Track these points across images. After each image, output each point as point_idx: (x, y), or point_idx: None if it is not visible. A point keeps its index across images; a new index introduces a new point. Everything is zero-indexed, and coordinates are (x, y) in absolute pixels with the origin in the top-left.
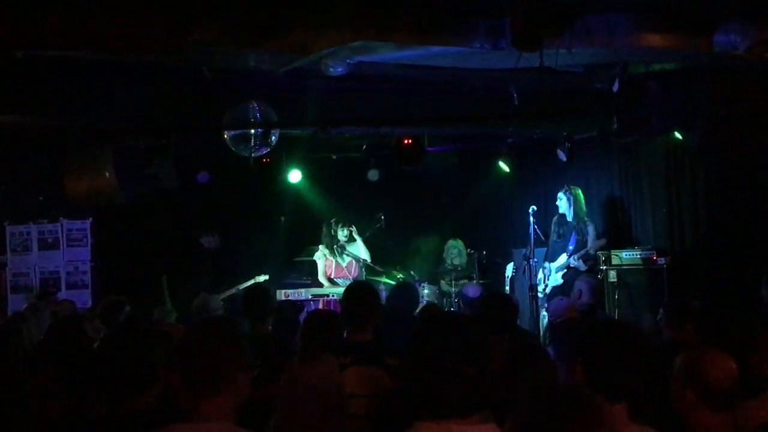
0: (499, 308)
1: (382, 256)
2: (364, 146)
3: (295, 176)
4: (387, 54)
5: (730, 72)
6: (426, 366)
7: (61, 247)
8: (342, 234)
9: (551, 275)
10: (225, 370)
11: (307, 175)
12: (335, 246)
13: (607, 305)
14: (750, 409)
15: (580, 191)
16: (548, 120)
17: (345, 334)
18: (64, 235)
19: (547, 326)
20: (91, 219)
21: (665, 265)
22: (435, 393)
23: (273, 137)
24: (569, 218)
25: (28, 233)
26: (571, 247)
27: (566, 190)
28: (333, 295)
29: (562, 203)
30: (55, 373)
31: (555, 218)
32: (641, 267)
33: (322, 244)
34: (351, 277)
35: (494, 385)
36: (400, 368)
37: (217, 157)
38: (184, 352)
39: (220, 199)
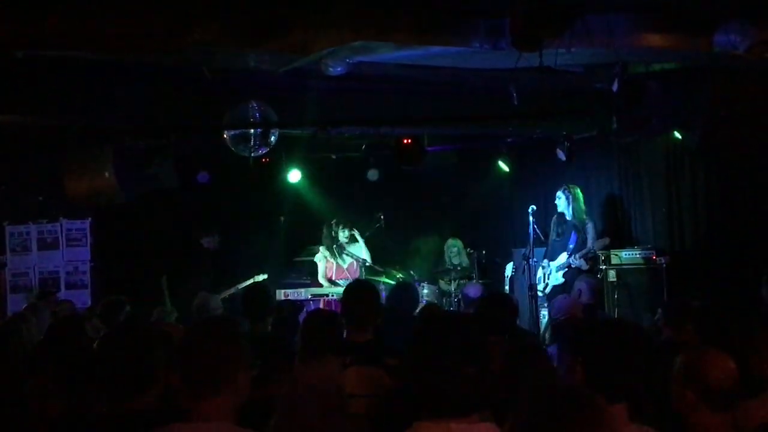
0: (498, 308)
1: (381, 255)
2: (364, 146)
3: (294, 176)
4: (387, 54)
5: (730, 72)
6: (426, 366)
7: (61, 247)
8: (343, 235)
9: (552, 274)
10: (225, 370)
11: (307, 174)
12: (334, 246)
13: (606, 305)
14: (750, 409)
15: (578, 190)
16: (548, 120)
17: (345, 334)
18: (64, 235)
19: (546, 325)
20: (90, 219)
21: (665, 265)
22: (434, 393)
23: (273, 137)
24: (568, 217)
25: (28, 233)
26: (571, 246)
27: (565, 189)
28: (333, 295)
29: (561, 202)
30: (55, 373)
31: (554, 217)
32: (641, 267)
33: (322, 245)
34: (352, 279)
35: (494, 385)
36: (400, 368)
37: (216, 157)
38: (184, 352)
39: (219, 199)
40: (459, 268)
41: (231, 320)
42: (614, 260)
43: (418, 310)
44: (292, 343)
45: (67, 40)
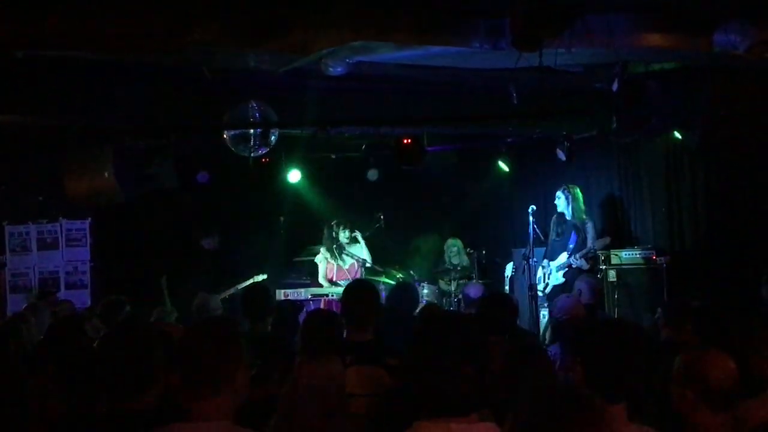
0: (498, 308)
1: (381, 255)
2: (364, 146)
3: (294, 176)
4: (387, 54)
5: (730, 72)
6: (426, 365)
7: (61, 247)
8: (343, 236)
9: (552, 274)
10: (224, 370)
11: (307, 174)
12: (334, 247)
13: (606, 305)
14: (750, 408)
15: (578, 190)
16: (548, 119)
17: (345, 334)
18: (64, 235)
19: (546, 325)
20: (90, 219)
21: (665, 265)
22: (434, 392)
23: (272, 137)
24: (568, 217)
25: (27, 233)
26: (571, 246)
27: (564, 189)
28: (333, 295)
29: (560, 202)
30: (55, 373)
31: (554, 217)
32: (641, 266)
33: (323, 246)
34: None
35: (494, 385)
36: (400, 368)
37: (216, 157)
38: (183, 352)
39: (219, 199)
40: (459, 268)
41: (230, 320)
42: (614, 260)
43: (418, 310)
44: (292, 343)
45: (67, 40)
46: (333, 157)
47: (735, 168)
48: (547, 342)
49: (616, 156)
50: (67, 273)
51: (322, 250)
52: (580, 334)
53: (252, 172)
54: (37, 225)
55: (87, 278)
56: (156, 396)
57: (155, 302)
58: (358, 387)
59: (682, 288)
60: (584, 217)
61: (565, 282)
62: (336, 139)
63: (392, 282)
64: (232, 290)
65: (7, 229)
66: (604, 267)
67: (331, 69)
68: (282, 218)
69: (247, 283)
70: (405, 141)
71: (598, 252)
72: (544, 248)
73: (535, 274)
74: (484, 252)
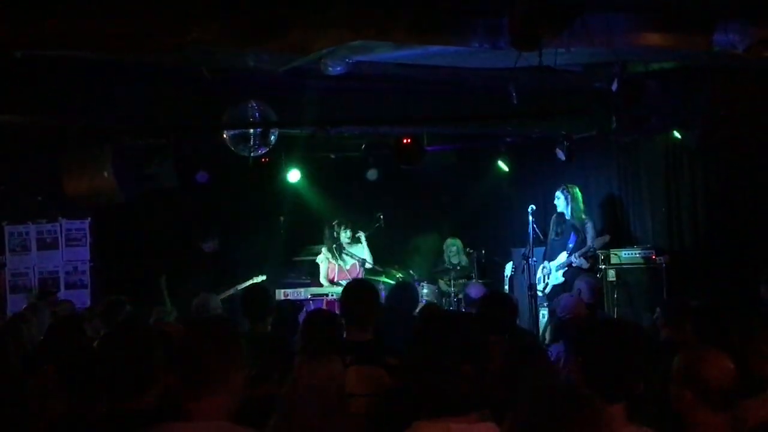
0: (498, 308)
1: (381, 255)
2: (363, 145)
3: (294, 176)
4: (386, 53)
5: (730, 71)
6: (426, 365)
7: (60, 247)
8: (345, 235)
9: (551, 274)
10: (222, 370)
11: (306, 174)
12: (334, 247)
13: (606, 304)
14: (750, 408)
15: (577, 189)
16: (547, 119)
17: (345, 334)
18: (63, 234)
19: (546, 325)
20: (90, 219)
21: (664, 264)
22: (434, 392)
23: (272, 137)
24: (567, 217)
25: (27, 233)
26: (570, 246)
27: (563, 189)
28: (333, 295)
29: (560, 202)
30: (55, 373)
31: (553, 217)
32: (640, 266)
33: (324, 246)
34: None
35: (493, 384)
36: (400, 368)
37: (216, 157)
38: (181, 352)
39: (219, 198)
40: (458, 268)
41: (227, 320)
42: (614, 260)
43: (417, 310)
44: (292, 343)
45: (67, 40)
46: (332, 156)
47: (734, 168)
48: (547, 341)
49: (616, 156)
50: (66, 273)
51: (324, 250)
52: (580, 334)
53: (252, 172)
54: (37, 225)
55: (87, 278)
56: (156, 396)
57: (155, 302)
58: (358, 387)
59: (682, 287)
60: (584, 217)
61: (564, 281)
62: (335, 139)
63: (392, 282)
64: (231, 291)
65: (7, 229)
66: (603, 266)
67: (330, 68)
68: (282, 218)
69: (247, 284)
70: (404, 141)
71: (598, 251)
72: (544, 248)
73: (535, 274)
74: (483, 252)
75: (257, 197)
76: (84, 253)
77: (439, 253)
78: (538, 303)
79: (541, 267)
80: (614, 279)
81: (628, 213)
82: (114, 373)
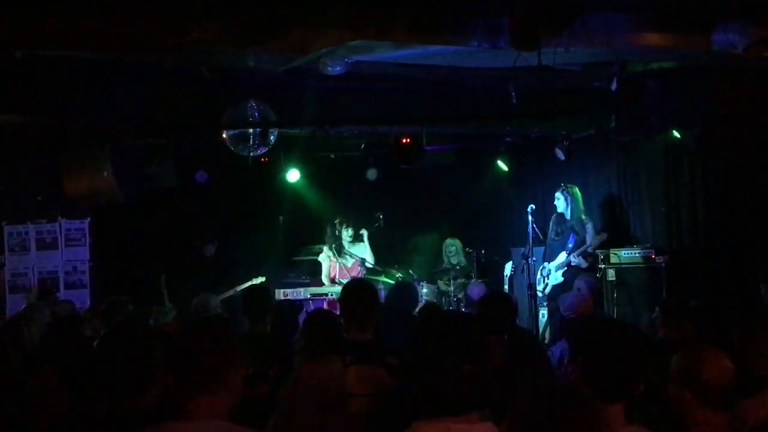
0: (498, 307)
1: (381, 254)
2: (363, 145)
3: (293, 175)
4: (385, 53)
5: (729, 71)
6: (426, 365)
7: (60, 247)
8: (347, 234)
9: (551, 274)
10: (218, 370)
11: (306, 174)
12: (334, 246)
13: (606, 304)
14: (750, 408)
15: (576, 189)
16: (547, 119)
17: (345, 334)
18: (63, 234)
19: (546, 324)
20: (89, 219)
21: (664, 264)
22: (434, 392)
23: (271, 137)
24: (568, 217)
25: (27, 233)
26: (570, 246)
27: (563, 190)
28: (333, 295)
29: (560, 203)
30: (55, 373)
31: (553, 217)
32: (640, 266)
33: (326, 245)
34: None
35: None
36: (400, 368)
37: (216, 157)
38: (178, 352)
39: (219, 198)
40: (458, 268)
41: (225, 320)
42: (613, 259)
43: (417, 310)
44: (292, 343)
45: (67, 40)
46: (332, 156)
47: (734, 167)
48: (546, 341)
49: (615, 155)
50: (66, 273)
51: (325, 248)
52: (579, 334)
53: (251, 172)
54: (36, 225)
55: (86, 278)
56: (156, 396)
57: (155, 302)
58: (358, 387)
59: (681, 287)
60: (584, 217)
61: (564, 281)
62: (335, 139)
63: (391, 281)
64: (231, 292)
65: (6, 229)
66: (603, 266)
67: (329, 68)
68: (281, 218)
69: (246, 285)
70: (404, 140)
71: (598, 251)
72: (543, 248)
73: (535, 274)
74: (483, 251)
75: (257, 197)
76: (83, 253)
77: (439, 252)
78: (538, 303)
79: (540, 268)
80: (614, 278)
81: (628, 213)
82: (114, 373)
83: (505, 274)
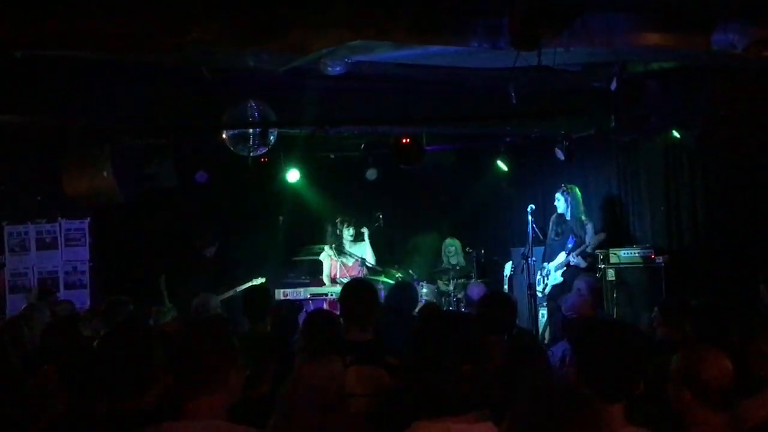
0: (498, 307)
1: (380, 255)
2: (363, 145)
3: (293, 175)
4: (385, 53)
5: (729, 71)
6: (426, 365)
7: (60, 247)
8: (348, 233)
9: (551, 274)
10: (218, 370)
11: (306, 174)
12: (334, 245)
13: (606, 304)
14: (750, 408)
15: (576, 189)
16: (546, 119)
17: (345, 334)
18: (63, 234)
19: (545, 324)
20: (89, 219)
21: (664, 264)
22: (434, 392)
23: (271, 137)
24: (568, 217)
25: (26, 233)
26: (569, 246)
27: (563, 191)
28: (333, 295)
29: (560, 204)
30: (55, 373)
31: (553, 217)
32: (640, 266)
33: (327, 244)
34: None
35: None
36: (400, 368)
37: (216, 157)
38: (179, 352)
39: (219, 198)
40: (457, 268)
41: (223, 320)
42: (613, 259)
43: (417, 310)
44: (292, 343)
45: (67, 40)
46: (332, 156)
47: (734, 167)
48: (546, 341)
49: (615, 155)
50: (66, 273)
51: (326, 247)
52: (579, 334)
53: (251, 172)
54: (36, 225)
55: (86, 278)
56: (156, 396)
57: (155, 302)
58: (358, 387)
59: (681, 287)
60: (583, 218)
61: (563, 281)
62: (335, 139)
63: (391, 281)
64: (231, 292)
65: (6, 229)
66: (602, 266)
67: (329, 68)
68: (281, 218)
69: (246, 285)
70: (404, 140)
71: (597, 251)
72: (543, 248)
73: (534, 274)
74: (482, 251)
75: (257, 197)
76: (83, 253)
77: (439, 252)
78: (538, 303)
79: (540, 268)
80: (613, 278)
81: (628, 213)
82: (114, 373)
83: (504, 274)
